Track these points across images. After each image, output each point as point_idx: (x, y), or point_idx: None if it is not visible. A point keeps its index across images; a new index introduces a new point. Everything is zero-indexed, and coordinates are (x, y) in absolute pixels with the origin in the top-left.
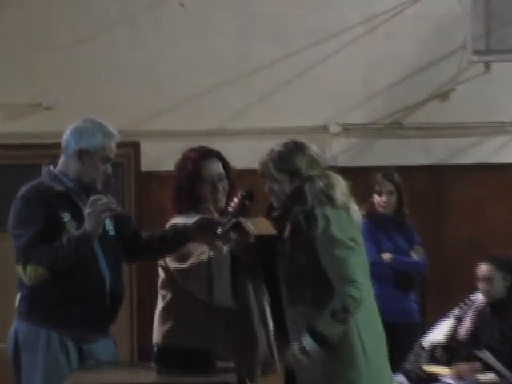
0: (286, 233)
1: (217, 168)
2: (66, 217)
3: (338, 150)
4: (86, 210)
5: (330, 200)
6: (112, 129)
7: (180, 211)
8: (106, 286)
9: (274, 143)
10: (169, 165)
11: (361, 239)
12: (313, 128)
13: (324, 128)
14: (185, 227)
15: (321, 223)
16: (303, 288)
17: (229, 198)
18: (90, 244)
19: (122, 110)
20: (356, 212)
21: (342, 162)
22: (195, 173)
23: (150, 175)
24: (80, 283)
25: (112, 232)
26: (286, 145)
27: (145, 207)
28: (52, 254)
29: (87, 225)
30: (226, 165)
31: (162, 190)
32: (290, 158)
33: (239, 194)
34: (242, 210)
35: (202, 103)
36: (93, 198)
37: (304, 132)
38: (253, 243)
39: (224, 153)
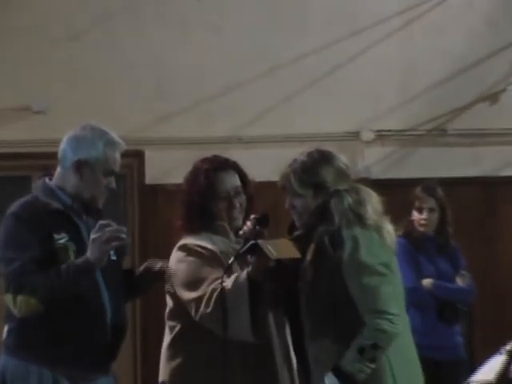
0: (309, 256)
1: (233, 181)
2: (64, 238)
3: (371, 160)
4: (92, 236)
5: (360, 219)
6: (115, 137)
7: (190, 230)
8: (107, 318)
9: (298, 152)
10: (177, 177)
11: (395, 264)
12: (343, 135)
13: (356, 135)
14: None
15: (348, 246)
16: (327, 320)
17: (246, 216)
18: (91, 275)
19: (124, 115)
20: (390, 233)
21: (376, 173)
22: (208, 186)
23: (156, 188)
24: (77, 315)
25: (113, 256)
26: (310, 154)
27: (150, 225)
28: (48, 285)
29: (91, 253)
30: (243, 177)
31: (169, 205)
32: (314, 170)
33: (252, 218)
34: (254, 236)
35: (215, 106)
36: (101, 222)
37: (333, 139)
38: (273, 268)
39: (241, 163)
